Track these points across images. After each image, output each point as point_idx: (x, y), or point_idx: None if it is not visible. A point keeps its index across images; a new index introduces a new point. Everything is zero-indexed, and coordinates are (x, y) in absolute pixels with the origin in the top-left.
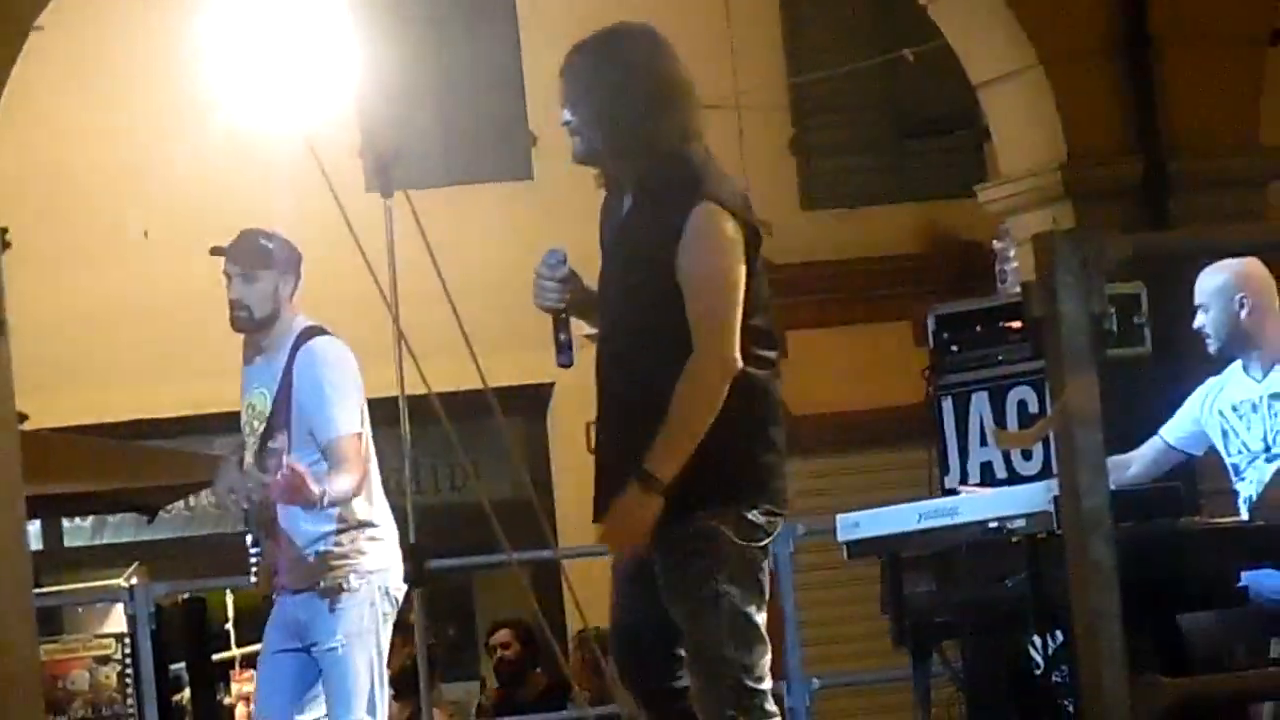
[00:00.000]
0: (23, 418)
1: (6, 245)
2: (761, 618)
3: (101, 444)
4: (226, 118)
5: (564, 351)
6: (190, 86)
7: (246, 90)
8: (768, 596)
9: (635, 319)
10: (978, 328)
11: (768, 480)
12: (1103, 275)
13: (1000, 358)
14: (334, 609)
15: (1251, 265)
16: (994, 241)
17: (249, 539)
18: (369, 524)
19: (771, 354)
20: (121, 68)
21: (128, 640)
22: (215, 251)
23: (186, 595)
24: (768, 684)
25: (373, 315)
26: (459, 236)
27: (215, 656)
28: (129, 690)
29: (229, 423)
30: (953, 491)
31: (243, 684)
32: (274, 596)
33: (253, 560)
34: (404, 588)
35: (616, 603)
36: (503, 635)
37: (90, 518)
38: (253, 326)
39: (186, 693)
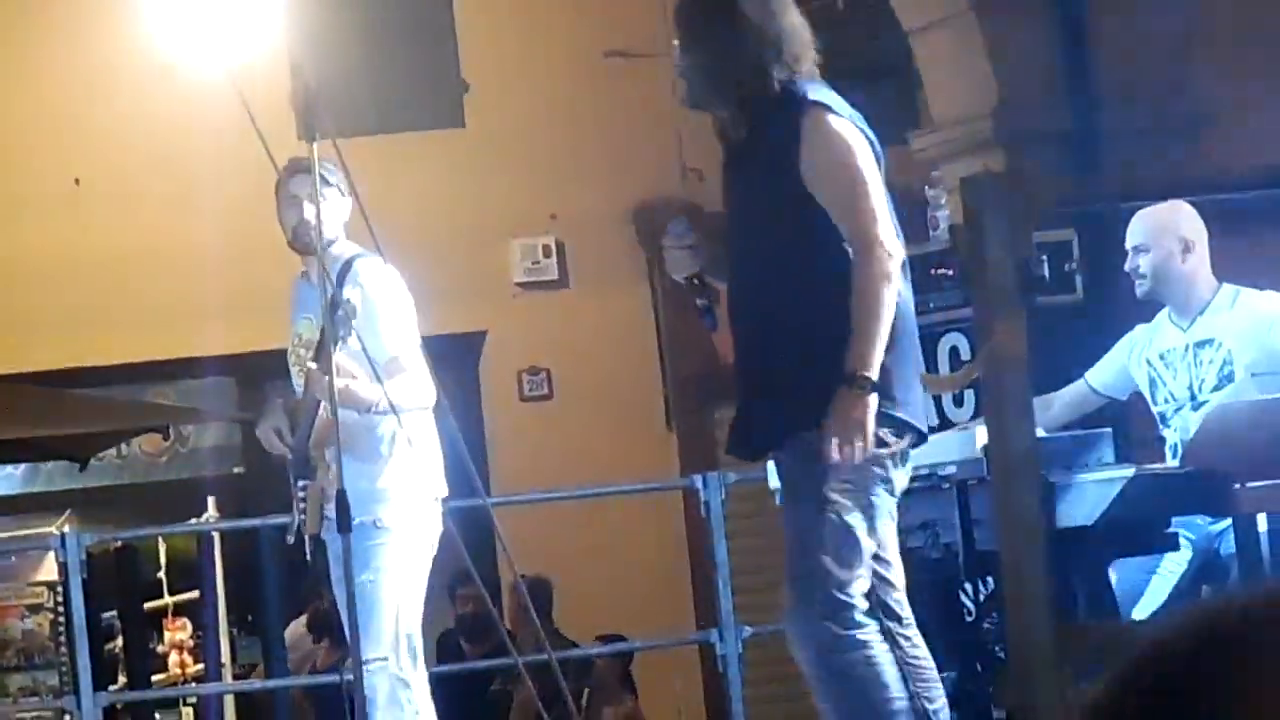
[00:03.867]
0: None
1: None
2: (865, 537)
3: (33, 391)
4: (157, 64)
5: (707, 315)
6: (119, 33)
7: (176, 36)
8: (879, 516)
9: (767, 243)
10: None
11: (888, 390)
12: (1030, 221)
13: (932, 304)
14: (367, 544)
15: (1189, 210)
16: (925, 189)
17: (294, 477)
18: (410, 459)
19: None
20: (48, 16)
21: (60, 588)
22: (296, 164)
23: (118, 543)
24: (859, 603)
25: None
26: (389, 185)
27: (147, 605)
28: (61, 638)
29: (159, 370)
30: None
31: (174, 632)
32: (322, 535)
33: (299, 496)
34: (440, 527)
35: None
36: None
37: (21, 465)
38: (317, 249)
39: (119, 641)
